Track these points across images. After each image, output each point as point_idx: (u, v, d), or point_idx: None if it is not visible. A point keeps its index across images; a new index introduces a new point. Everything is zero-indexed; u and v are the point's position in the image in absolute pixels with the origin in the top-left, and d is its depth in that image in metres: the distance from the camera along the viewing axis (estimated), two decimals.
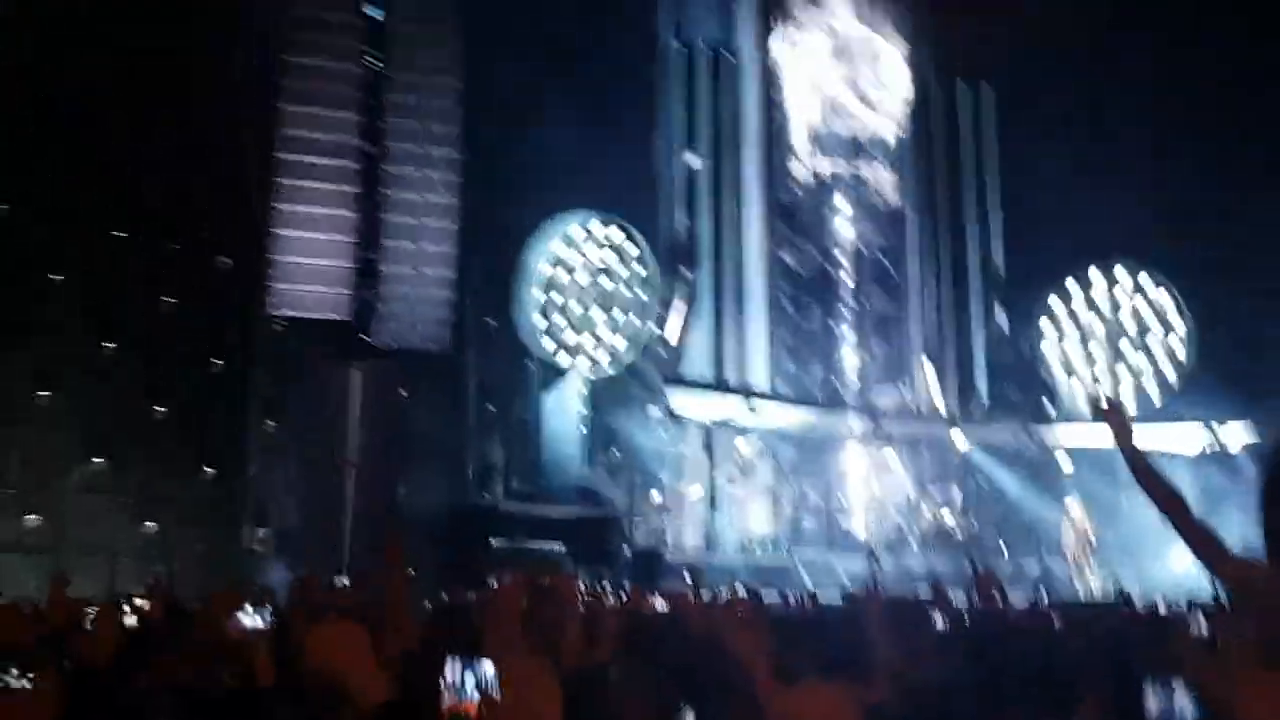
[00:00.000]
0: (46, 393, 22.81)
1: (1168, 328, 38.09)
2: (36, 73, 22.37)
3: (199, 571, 22.01)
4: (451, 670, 3.71)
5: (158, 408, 23.97)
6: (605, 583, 22.70)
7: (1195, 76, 31.42)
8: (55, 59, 22.48)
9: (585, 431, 32.27)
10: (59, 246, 23.18)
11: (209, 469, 24.66)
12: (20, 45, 22.57)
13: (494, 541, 26.98)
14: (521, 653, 3.92)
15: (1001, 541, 34.33)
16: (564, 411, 32.11)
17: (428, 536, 26.56)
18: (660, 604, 12.19)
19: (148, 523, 23.47)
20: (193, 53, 24.01)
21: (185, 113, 23.49)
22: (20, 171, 22.49)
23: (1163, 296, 38.29)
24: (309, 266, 27.74)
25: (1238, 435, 33.51)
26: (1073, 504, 33.39)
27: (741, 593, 12.42)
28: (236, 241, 25.86)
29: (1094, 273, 39.15)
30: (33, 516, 22.37)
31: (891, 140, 40.08)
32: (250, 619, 7.47)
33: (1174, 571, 29.70)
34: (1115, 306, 38.94)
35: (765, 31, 39.27)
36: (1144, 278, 38.62)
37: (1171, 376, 37.78)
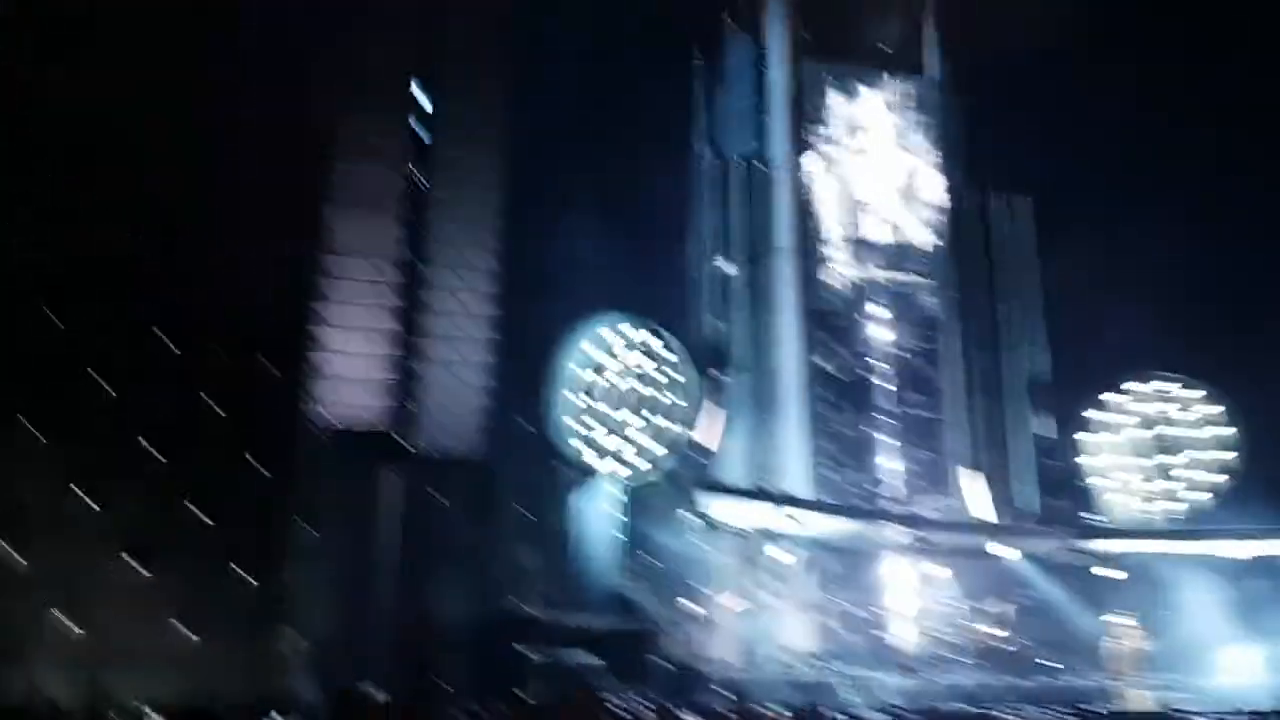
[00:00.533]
0: (85, 495, 22.94)
1: (1213, 438, 37.38)
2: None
3: (234, 677, 21.72)
4: None
5: (196, 512, 24.04)
6: (639, 697, 22.10)
7: (1244, 186, 31.46)
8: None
9: (620, 538, 31.87)
10: (101, 348, 23.57)
11: (246, 574, 24.55)
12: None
13: (526, 651, 26.43)
14: None
15: (1048, 654, 33.07)
16: (598, 518, 31.82)
17: (459, 644, 26.15)
18: None
19: (183, 627, 23.29)
20: (243, 157, 24.72)
21: (232, 221, 24.19)
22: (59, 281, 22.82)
23: (1208, 406, 37.69)
24: (348, 372, 28.19)
25: None
26: (1120, 616, 32.28)
27: (781, 710, 12.07)
28: (278, 347, 26.28)
29: (1138, 382, 38.65)
30: (67, 620, 22.28)
31: (927, 248, 40.43)
32: None
33: (1222, 684, 28.59)
34: (1160, 416, 38.29)
35: (798, 144, 40.23)
36: (1189, 388, 38.08)
37: (1217, 486, 36.93)
